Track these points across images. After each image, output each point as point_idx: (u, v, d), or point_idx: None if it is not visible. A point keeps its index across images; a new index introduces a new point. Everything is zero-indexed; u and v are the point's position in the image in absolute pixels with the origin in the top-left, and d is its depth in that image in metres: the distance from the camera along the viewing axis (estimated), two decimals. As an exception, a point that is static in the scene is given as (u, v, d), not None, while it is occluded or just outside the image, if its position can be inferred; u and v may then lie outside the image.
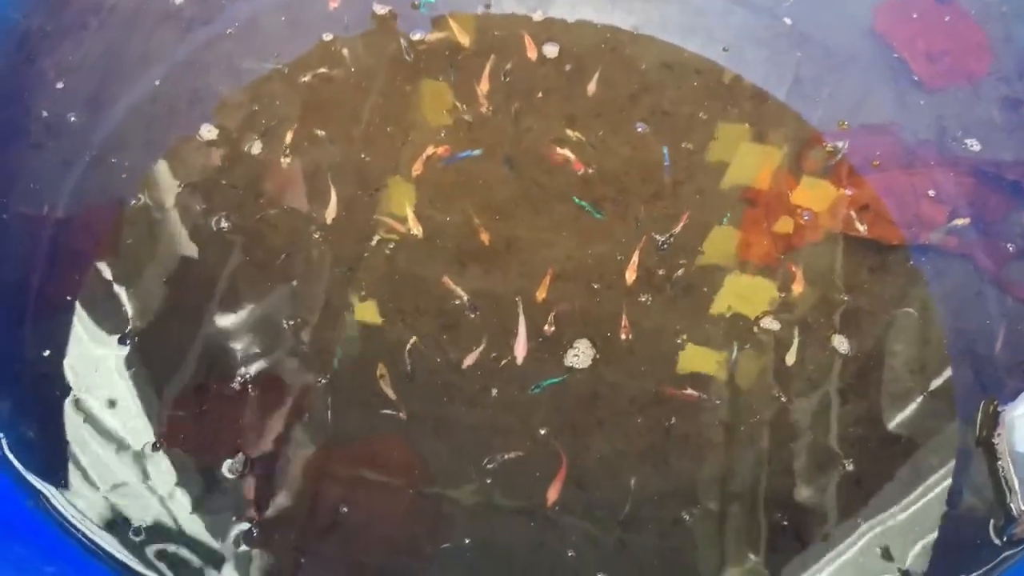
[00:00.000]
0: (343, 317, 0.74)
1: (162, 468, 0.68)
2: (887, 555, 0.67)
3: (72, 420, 0.69)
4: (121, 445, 0.69)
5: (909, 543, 0.68)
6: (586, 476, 0.69)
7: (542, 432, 0.70)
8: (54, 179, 0.79)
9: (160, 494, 0.67)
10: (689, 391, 0.72)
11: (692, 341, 0.74)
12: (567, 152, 0.81)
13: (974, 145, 0.84)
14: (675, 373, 0.73)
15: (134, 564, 0.65)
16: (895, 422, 0.72)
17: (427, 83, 0.85)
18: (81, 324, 0.73)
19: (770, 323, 0.75)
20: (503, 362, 0.73)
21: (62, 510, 0.66)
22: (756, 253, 0.79)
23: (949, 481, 0.70)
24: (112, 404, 0.70)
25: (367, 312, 0.74)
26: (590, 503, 0.68)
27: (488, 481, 0.69)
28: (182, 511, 0.67)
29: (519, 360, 0.72)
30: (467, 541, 0.67)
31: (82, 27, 0.87)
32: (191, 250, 0.76)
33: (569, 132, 0.83)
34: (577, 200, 0.78)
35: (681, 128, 0.84)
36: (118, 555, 0.65)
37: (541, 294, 0.75)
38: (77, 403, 0.70)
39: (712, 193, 0.81)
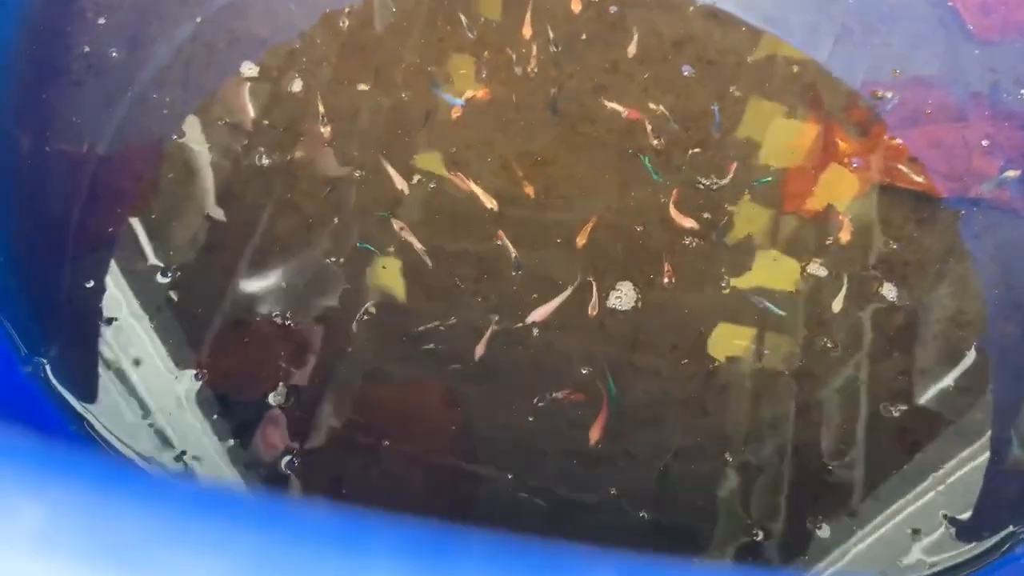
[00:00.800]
0: (381, 260, 0.73)
1: (205, 397, 0.68)
2: (935, 505, 0.66)
3: (115, 348, 0.70)
4: (164, 374, 0.69)
5: (956, 496, 0.67)
6: (625, 421, 0.68)
7: (584, 372, 0.70)
8: (95, 116, 0.79)
9: (202, 423, 0.67)
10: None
11: (738, 279, 0.74)
12: (614, 104, 0.80)
13: (1026, 99, 0.82)
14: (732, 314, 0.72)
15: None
16: (943, 375, 0.71)
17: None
18: (122, 258, 0.73)
19: (817, 269, 0.74)
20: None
21: (106, 435, 0.66)
22: (803, 202, 0.77)
23: (998, 435, 0.68)
24: (154, 336, 0.70)
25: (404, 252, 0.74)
26: (628, 448, 0.68)
27: (530, 419, 0.68)
28: (225, 438, 0.67)
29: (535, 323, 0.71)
30: (509, 476, 0.67)
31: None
32: (232, 187, 0.76)
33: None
34: (642, 157, 0.76)
35: (727, 77, 0.82)
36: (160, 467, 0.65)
37: (582, 239, 0.74)
38: (119, 332, 0.70)
39: (758, 143, 0.79)
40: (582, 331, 0.71)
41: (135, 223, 0.74)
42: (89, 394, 0.68)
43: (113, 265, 0.72)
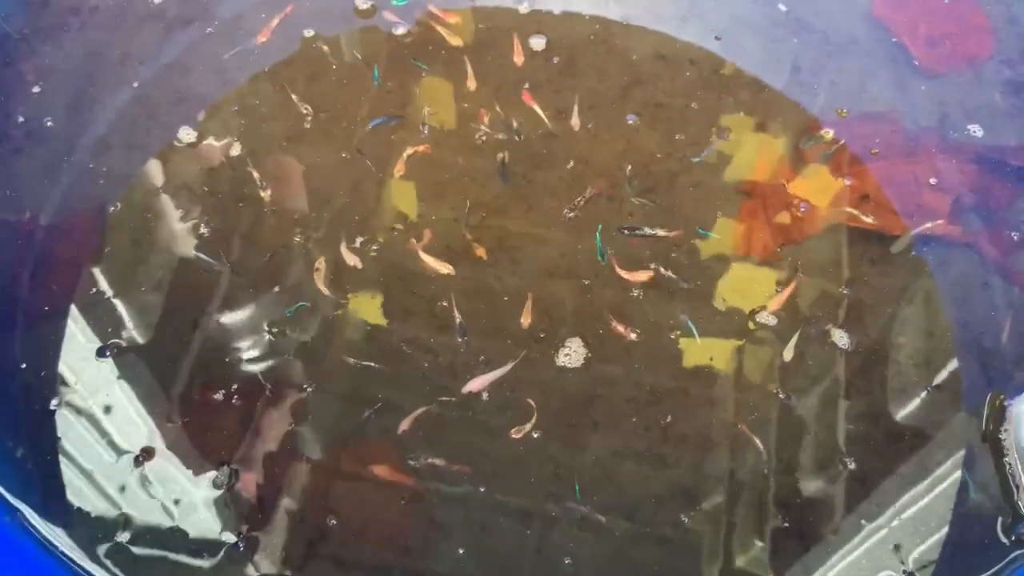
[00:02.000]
0: (332, 319, 0.72)
1: (146, 482, 0.67)
2: (893, 553, 0.65)
3: (57, 432, 0.68)
4: (105, 458, 0.67)
5: (915, 542, 0.66)
6: (583, 478, 0.67)
7: (535, 436, 0.68)
8: (35, 185, 0.78)
9: (143, 509, 0.66)
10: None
11: (688, 336, 0.72)
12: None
13: (977, 131, 0.82)
14: (677, 368, 0.71)
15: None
16: (900, 417, 0.70)
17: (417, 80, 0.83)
18: (65, 333, 0.71)
19: (767, 318, 0.73)
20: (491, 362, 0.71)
21: (39, 527, 0.65)
22: (754, 246, 0.77)
23: (957, 476, 0.68)
24: (96, 416, 0.68)
25: (360, 311, 0.72)
26: (589, 507, 0.66)
27: (482, 490, 0.67)
28: (165, 527, 0.65)
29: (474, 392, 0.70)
30: (461, 551, 0.65)
31: (62, 28, 0.86)
32: (176, 254, 0.75)
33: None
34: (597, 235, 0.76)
35: (675, 120, 0.82)
36: (97, 573, 0.63)
37: (526, 320, 0.72)
38: (62, 415, 0.68)
39: (708, 186, 0.79)
40: (537, 387, 0.70)
41: (79, 296, 0.73)
42: (25, 484, 0.66)
43: (56, 344, 0.71)
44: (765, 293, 0.74)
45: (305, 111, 0.80)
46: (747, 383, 0.71)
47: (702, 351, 0.72)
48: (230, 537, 0.65)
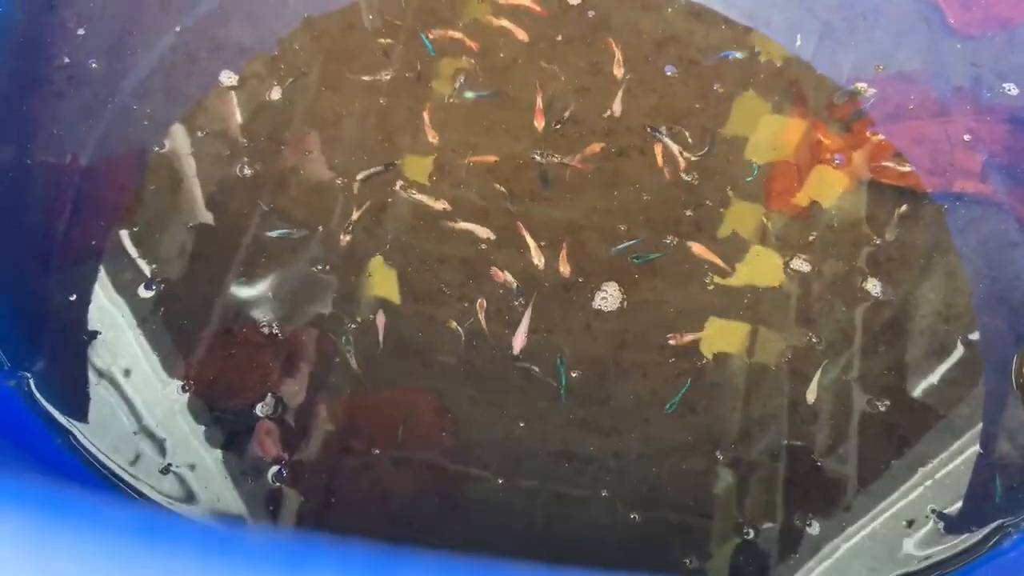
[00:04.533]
0: (368, 265, 0.73)
1: (192, 409, 0.68)
2: (923, 501, 0.66)
3: (99, 362, 0.69)
4: (153, 385, 0.69)
5: (944, 490, 0.67)
6: (617, 422, 0.68)
7: (574, 375, 0.70)
8: (77, 127, 0.79)
9: (189, 434, 0.67)
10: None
11: (722, 280, 0.74)
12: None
13: (1011, 90, 0.82)
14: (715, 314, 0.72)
15: (163, 501, 0.65)
16: (929, 370, 0.71)
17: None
18: (107, 270, 0.72)
19: (800, 264, 0.74)
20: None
21: (90, 448, 0.66)
22: (787, 199, 0.77)
23: (984, 428, 0.69)
24: (140, 348, 0.70)
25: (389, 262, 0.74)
26: (617, 448, 0.68)
27: (521, 424, 0.68)
28: (213, 451, 0.67)
29: (516, 351, 0.71)
30: (500, 481, 0.67)
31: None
32: (217, 197, 0.76)
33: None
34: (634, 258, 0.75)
35: (710, 74, 0.82)
36: (146, 492, 0.65)
37: (564, 267, 0.73)
38: (104, 346, 0.70)
39: (744, 141, 0.79)
40: (569, 334, 0.71)
41: (119, 235, 0.74)
42: (74, 407, 0.67)
43: (99, 278, 0.72)
44: (799, 242, 0.75)
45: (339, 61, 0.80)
46: (779, 329, 0.71)
47: (737, 295, 0.72)
48: (273, 465, 0.66)
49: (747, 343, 0.71)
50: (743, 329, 0.72)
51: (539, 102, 0.79)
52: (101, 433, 0.67)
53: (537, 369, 0.70)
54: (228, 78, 0.81)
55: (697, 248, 0.74)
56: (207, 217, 0.75)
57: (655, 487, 0.67)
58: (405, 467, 0.67)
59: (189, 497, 0.65)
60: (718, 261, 0.74)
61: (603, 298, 0.72)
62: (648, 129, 0.79)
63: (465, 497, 0.66)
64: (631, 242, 0.74)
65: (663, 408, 0.69)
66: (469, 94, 0.80)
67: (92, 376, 0.69)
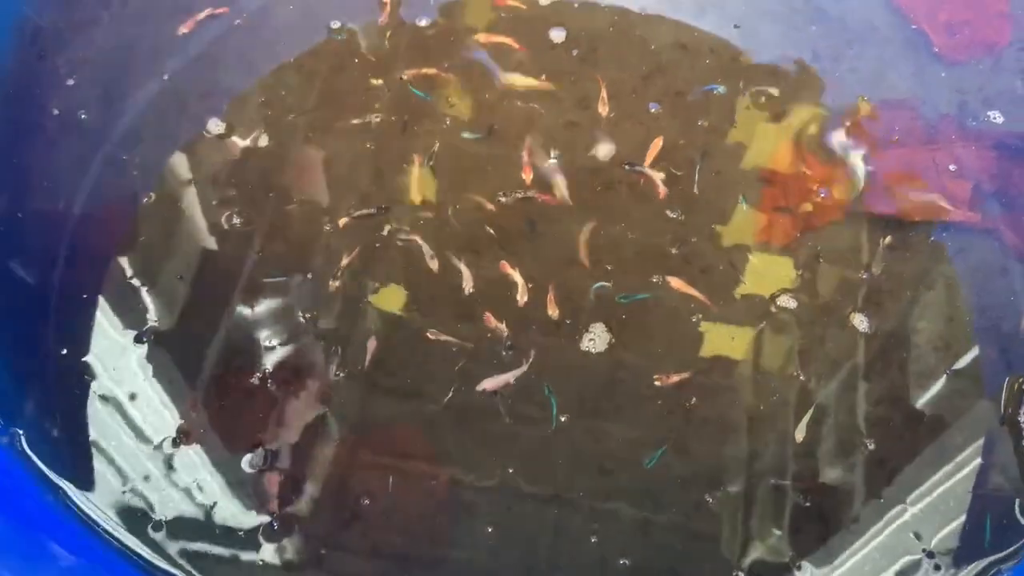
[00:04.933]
0: (359, 308, 0.73)
1: (183, 463, 0.68)
2: (914, 536, 0.66)
3: (93, 415, 0.70)
4: (142, 440, 0.69)
5: (935, 524, 0.67)
6: (608, 461, 0.69)
7: (562, 419, 0.70)
8: (69, 176, 0.79)
9: (180, 489, 0.68)
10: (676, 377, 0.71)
11: (710, 322, 0.73)
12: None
13: (996, 117, 0.83)
14: (696, 355, 0.72)
15: (153, 559, 0.65)
16: (920, 401, 0.71)
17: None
18: (102, 321, 0.73)
19: (787, 302, 0.74)
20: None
21: (81, 505, 0.67)
22: (775, 233, 0.77)
23: (976, 459, 0.69)
24: (133, 399, 0.70)
25: (383, 301, 0.74)
26: (612, 489, 0.68)
27: (510, 470, 0.68)
28: (203, 506, 0.67)
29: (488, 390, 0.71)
30: (489, 529, 0.67)
31: (93, 22, 0.87)
32: (206, 245, 0.76)
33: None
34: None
35: (696, 108, 0.83)
36: (137, 549, 0.65)
37: (553, 311, 0.74)
38: (98, 399, 0.70)
39: (730, 173, 0.80)
40: (557, 375, 0.71)
41: (111, 286, 0.74)
42: (66, 464, 0.68)
43: (91, 331, 0.73)
44: (786, 278, 0.75)
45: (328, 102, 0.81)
46: (769, 367, 0.72)
47: (723, 336, 0.72)
48: (264, 517, 0.67)
49: (736, 378, 0.71)
50: (733, 361, 0.72)
51: (526, 156, 0.79)
52: (92, 490, 0.67)
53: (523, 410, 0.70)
54: (216, 126, 0.81)
55: (676, 283, 0.74)
56: (198, 266, 0.75)
57: (645, 530, 0.67)
58: (396, 517, 0.67)
59: (181, 552, 0.65)
60: (700, 296, 0.74)
61: (591, 340, 0.72)
62: (625, 166, 0.79)
63: (456, 546, 0.67)
64: (602, 284, 0.74)
65: (653, 448, 0.69)
66: (466, 134, 0.80)
67: (84, 432, 0.69)
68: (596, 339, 0.72)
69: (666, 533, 0.67)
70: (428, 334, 0.72)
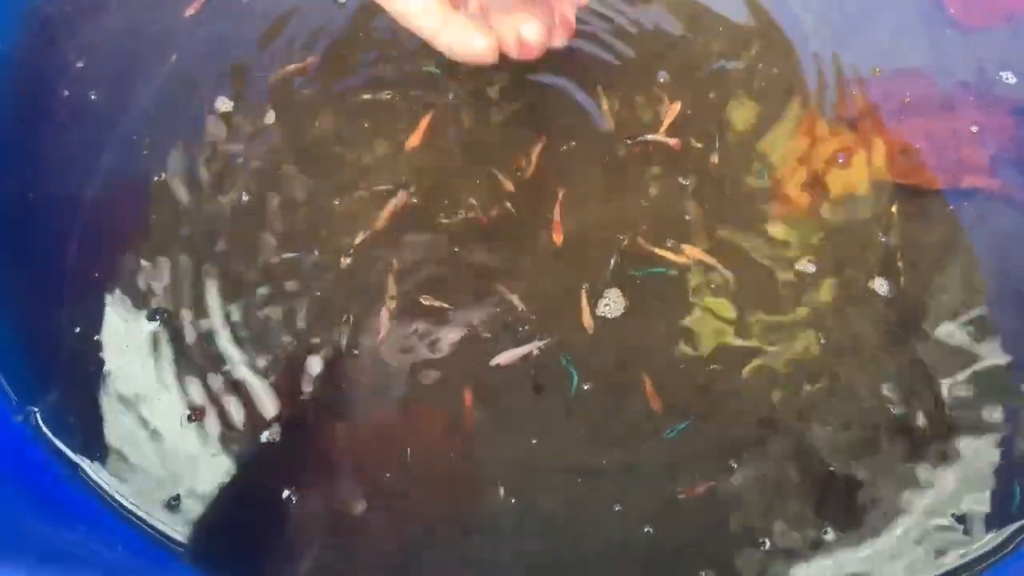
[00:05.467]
0: (380, 286, 0.73)
1: (198, 437, 0.68)
2: (942, 503, 0.65)
3: (106, 392, 0.70)
4: (156, 416, 0.69)
5: (964, 490, 0.66)
6: (630, 430, 0.68)
7: (585, 387, 0.69)
8: (79, 158, 0.79)
9: (196, 462, 0.67)
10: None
11: (730, 285, 0.73)
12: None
13: (1015, 84, 0.81)
14: (721, 319, 0.72)
15: (172, 532, 0.65)
16: (941, 370, 0.70)
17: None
18: (114, 300, 0.73)
19: (806, 266, 0.73)
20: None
21: (99, 481, 0.66)
22: (794, 202, 0.76)
23: (1003, 426, 0.68)
24: (147, 379, 0.70)
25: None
26: (635, 458, 0.67)
27: (533, 441, 0.68)
28: (220, 480, 0.67)
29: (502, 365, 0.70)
30: (513, 501, 0.66)
31: (102, 6, 0.87)
32: (217, 224, 0.76)
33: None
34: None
35: (706, 81, 0.82)
36: (156, 524, 0.65)
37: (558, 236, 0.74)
38: (111, 376, 0.70)
39: (747, 145, 0.79)
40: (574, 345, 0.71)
41: (124, 266, 0.74)
42: (82, 441, 0.68)
43: (104, 309, 0.72)
44: (805, 247, 0.74)
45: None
46: (787, 335, 0.71)
47: (745, 299, 0.72)
48: (282, 491, 0.66)
49: (755, 346, 0.71)
50: (753, 330, 0.71)
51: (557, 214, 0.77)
52: (109, 466, 0.67)
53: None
54: (224, 104, 0.81)
55: (690, 251, 0.74)
56: (210, 245, 0.75)
57: (669, 500, 0.66)
58: (416, 492, 0.67)
59: (198, 525, 0.65)
60: (713, 262, 0.73)
61: (606, 304, 0.72)
62: (627, 140, 0.78)
63: (478, 518, 0.66)
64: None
65: (676, 417, 0.68)
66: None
67: (99, 409, 0.69)
68: (611, 304, 0.72)
69: (690, 502, 0.66)
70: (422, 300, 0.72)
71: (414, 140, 0.79)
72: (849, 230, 0.75)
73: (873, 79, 0.82)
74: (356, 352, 0.71)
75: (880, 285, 0.72)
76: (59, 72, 0.83)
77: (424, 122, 0.79)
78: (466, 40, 0.66)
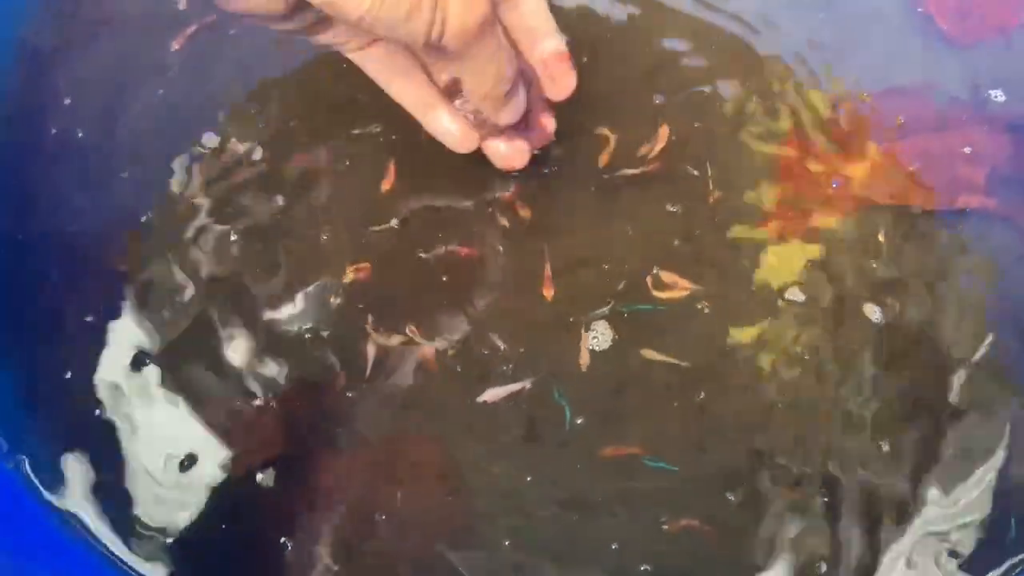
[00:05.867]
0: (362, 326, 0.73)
1: (192, 484, 0.68)
2: (936, 535, 0.65)
3: (98, 439, 0.69)
4: (149, 462, 0.68)
5: (959, 520, 0.65)
6: (625, 466, 0.67)
7: (578, 422, 0.69)
8: (69, 196, 0.79)
9: (191, 510, 0.67)
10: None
11: (719, 314, 0.72)
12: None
13: (1011, 101, 0.80)
14: (712, 348, 0.71)
15: (165, 578, 0.65)
16: (938, 394, 0.69)
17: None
18: (105, 342, 0.72)
19: (797, 295, 0.72)
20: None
21: (91, 527, 0.66)
22: (786, 226, 0.76)
23: (1000, 452, 0.67)
24: (138, 422, 0.70)
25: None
26: (631, 491, 0.67)
27: (528, 479, 0.67)
28: (215, 526, 0.67)
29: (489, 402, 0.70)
30: (507, 543, 0.66)
31: (92, 39, 0.87)
32: (206, 262, 0.76)
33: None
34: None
35: (699, 103, 0.81)
36: (146, 572, 0.65)
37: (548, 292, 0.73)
38: (103, 422, 0.70)
39: (738, 165, 0.78)
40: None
41: (116, 306, 0.74)
42: (72, 490, 0.68)
43: (99, 353, 0.72)
44: (797, 271, 0.74)
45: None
46: (779, 361, 0.70)
47: (735, 327, 0.72)
48: (276, 535, 0.66)
49: (747, 373, 0.70)
50: (744, 357, 0.71)
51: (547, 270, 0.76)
52: (100, 514, 0.67)
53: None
54: (211, 140, 0.81)
55: (667, 276, 0.73)
56: (201, 284, 0.75)
57: (665, 535, 0.65)
58: (409, 530, 0.66)
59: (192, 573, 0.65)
60: (689, 286, 0.73)
61: (594, 337, 0.71)
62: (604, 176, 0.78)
63: (473, 556, 0.66)
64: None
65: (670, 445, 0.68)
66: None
67: (89, 455, 0.69)
68: (599, 336, 0.71)
69: (687, 535, 0.65)
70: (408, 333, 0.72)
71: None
72: (841, 254, 0.74)
73: (865, 99, 0.81)
74: (348, 393, 0.70)
75: (873, 311, 0.72)
76: (48, 108, 0.83)
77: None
78: (448, 139, 0.69)
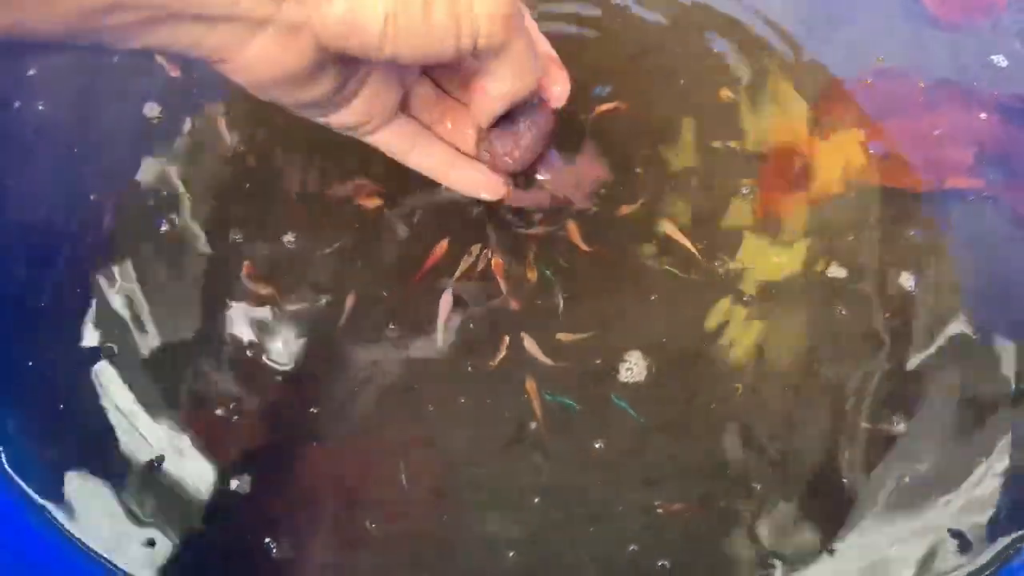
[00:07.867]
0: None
1: (168, 482, 0.67)
2: (936, 516, 0.65)
3: (74, 433, 0.69)
4: (124, 458, 0.68)
5: (955, 499, 0.65)
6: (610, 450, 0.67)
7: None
8: (43, 186, 0.78)
9: (168, 507, 0.66)
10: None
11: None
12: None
13: (995, 81, 0.80)
14: (701, 330, 0.71)
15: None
16: (929, 374, 0.69)
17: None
18: (82, 335, 0.72)
19: (793, 279, 0.72)
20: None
21: (66, 524, 0.65)
22: (775, 213, 0.75)
23: (992, 431, 0.67)
24: (114, 417, 0.69)
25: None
26: (617, 478, 0.67)
27: (535, 500, 0.67)
28: (193, 525, 0.66)
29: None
30: (511, 554, 0.65)
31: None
32: (182, 252, 0.75)
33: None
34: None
35: (686, 87, 0.80)
36: (126, 568, 0.64)
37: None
38: (79, 416, 0.69)
39: (726, 152, 0.78)
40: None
41: (95, 292, 0.73)
42: (49, 482, 0.67)
43: (77, 339, 0.71)
44: (788, 257, 0.73)
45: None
46: (773, 346, 0.70)
47: (724, 315, 0.71)
48: (259, 539, 0.65)
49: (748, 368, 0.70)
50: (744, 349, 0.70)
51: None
52: (77, 508, 0.66)
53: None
54: (188, 127, 0.79)
55: (669, 229, 0.73)
56: (175, 275, 0.74)
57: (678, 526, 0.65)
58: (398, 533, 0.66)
59: (171, 569, 0.64)
60: (689, 245, 0.73)
61: (628, 369, 0.70)
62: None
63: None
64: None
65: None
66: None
67: (65, 450, 0.68)
68: (634, 368, 0.70)
69: (674, 525, 0.65)
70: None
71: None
72: (832, 235, 0.74)
73: (855, 81, 0.81)
74: (330, 398, 0.69)
75: (865, 291, 0.71)
76: (12, 84, 0.81)
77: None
78: (481, 188, 0.67)
